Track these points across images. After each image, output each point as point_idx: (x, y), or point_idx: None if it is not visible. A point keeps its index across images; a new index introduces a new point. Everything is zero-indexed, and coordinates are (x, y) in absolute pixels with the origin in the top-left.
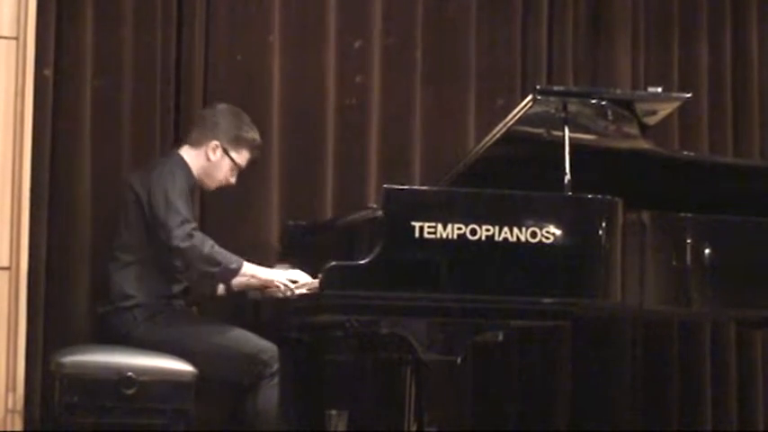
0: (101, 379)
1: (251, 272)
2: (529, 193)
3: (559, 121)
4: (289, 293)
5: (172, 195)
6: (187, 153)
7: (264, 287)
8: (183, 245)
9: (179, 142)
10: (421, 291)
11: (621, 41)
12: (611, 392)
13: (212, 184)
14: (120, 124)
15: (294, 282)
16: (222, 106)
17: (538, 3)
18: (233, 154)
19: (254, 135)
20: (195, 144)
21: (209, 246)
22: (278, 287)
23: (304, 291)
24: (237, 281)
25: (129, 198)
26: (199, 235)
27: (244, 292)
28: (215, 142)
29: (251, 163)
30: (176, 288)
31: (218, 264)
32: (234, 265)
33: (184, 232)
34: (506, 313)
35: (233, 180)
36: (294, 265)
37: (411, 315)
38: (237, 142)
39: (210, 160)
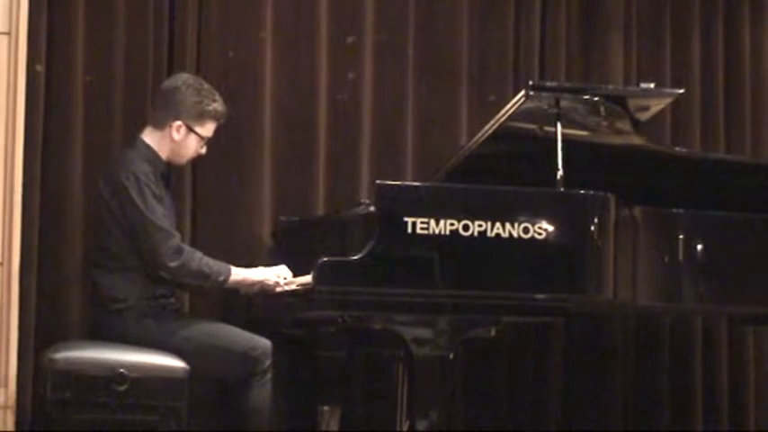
0: (93, 375)
1: (239, 278)
2: (521, 188)
3: (552, 117)
4: (278, 289)
5: (145, 206)
6: (150, 136)
7: (254, 288)
8: (173, 264)
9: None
10: (413, 286)
11: (614, 37)
12: (603, 390)
13: (182, 160)
14: (111, 119)
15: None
16: (180, 80)
17: None
18: (198, 129)
19: (216, 106)
20: (158, 125)
21: (197, 260)
22: (269, 285)
23: (293, 287)
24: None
25: (101, 206)
26: (186, 249)
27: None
28: (177, 122)
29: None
30: (165, 288)
31: (207, 277)
32: (222, 277)
33: (171, 249)
34: (498, 309)
35: (203, 151)
36: (286, 262)
37: (403, 311)
38: (201, 117)
39: (176, 140)
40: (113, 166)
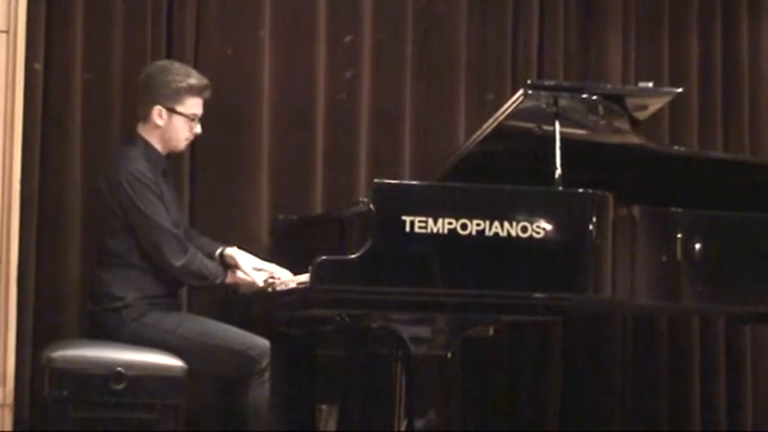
0: (91, 374)
1: (233, 281)
2: (519, 187)
3: (550, 116)
4: (277, 287)
5: (144, 206)
6: (144, 129)
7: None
8: (177, 263)
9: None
10: (411, 285)
11: (612, 36)
12: (601, 389)
13: (178, 144)
14: (110, 118)
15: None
16: (150, 67)
17: None
18: (179, 108)
19: (192, 81)
20: (144, 117)
21: (198, 261)
22: (269, 284)
23: (293, 285)
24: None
25: (101, 204)
26: (190, 250)
27: (235, 288)
28: (157, 107)
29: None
30: (165, 288)
31: (205, 278)
32: (218, 280)
33: (175, 248)
34: (497, 308)
35: (198, 130)
36: (284, 261)
37: (401, 309)
38: (177, 95)
39: (160, 126)
40: (113, 164)
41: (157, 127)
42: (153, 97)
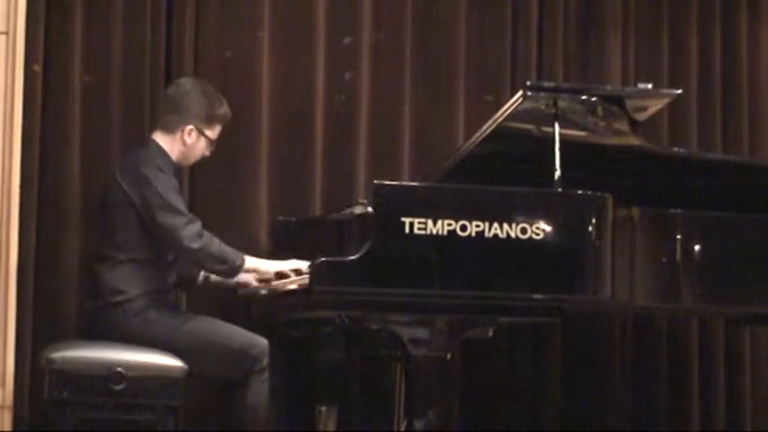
0: (90, 374)
1: (253, 266)
2: (519, 189)
3: (550, 117)
4: (289, 286)
5: (167, 195)
6: (161, 138)
7: (264, 280)
8: (195, 246)
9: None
10: (411, 286)
11: (612, 37)
12: (601, 389)
13: (189, 162)
14: (109, 120)
15: (296, 270)
16: (188, 85)
17: None
18: (207, 132)
19: (224, 110)
20: (168, 129)
21: (216, 244)
22: (285, 275)
23: (294, 286)
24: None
25: (118, 198)
26: (206, 233)
27: (234, 288)
28: (189, 127)
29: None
30: (167, 283)
31: (225, 261)
32: (238, 262)
33: (192, 233)
34: (496, 309)
35: (208, 153)
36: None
37: (401, 311)
38: (211, 120)
39: (187, 144)
40: (132, 160)
41: (184, 144)
42: (188, 116)
